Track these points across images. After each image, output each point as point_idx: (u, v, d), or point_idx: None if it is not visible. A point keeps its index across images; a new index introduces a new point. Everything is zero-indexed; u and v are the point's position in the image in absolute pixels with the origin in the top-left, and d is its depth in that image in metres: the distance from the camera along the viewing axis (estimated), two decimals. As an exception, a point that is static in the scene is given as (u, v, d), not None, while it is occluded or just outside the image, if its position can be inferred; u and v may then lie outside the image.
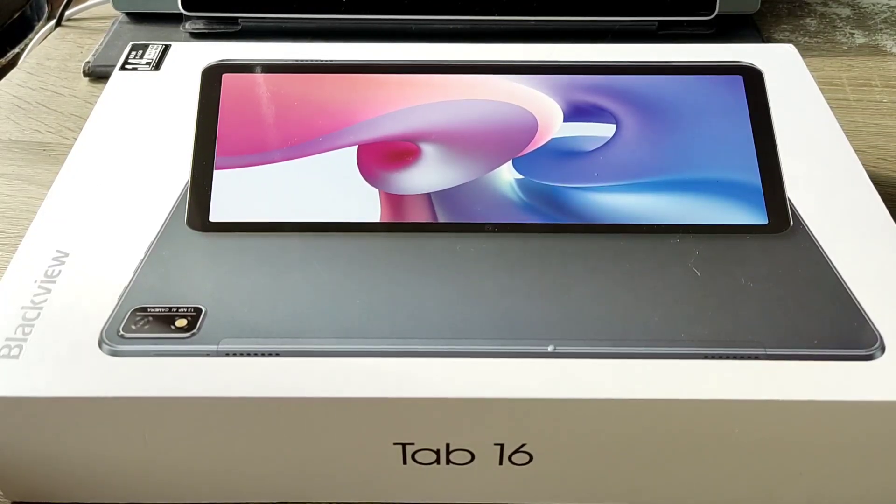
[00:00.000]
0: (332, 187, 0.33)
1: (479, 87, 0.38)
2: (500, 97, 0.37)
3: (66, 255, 0.30)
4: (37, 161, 0.45)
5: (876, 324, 0.28)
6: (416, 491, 0.29)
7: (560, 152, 0.35)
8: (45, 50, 0.56)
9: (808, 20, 0.59)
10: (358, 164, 0.34)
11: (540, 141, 0.35)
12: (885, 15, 0.59)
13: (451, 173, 0.34)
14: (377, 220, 0.32)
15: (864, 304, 0.29)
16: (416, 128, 0.36)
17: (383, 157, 0.35)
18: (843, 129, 0.36)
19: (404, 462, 0.28)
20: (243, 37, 0.53)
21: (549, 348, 0.27)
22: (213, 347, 0.27)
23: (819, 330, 0.28)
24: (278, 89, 0.38)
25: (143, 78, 0.39)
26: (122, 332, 0.28)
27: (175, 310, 0.28)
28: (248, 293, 0.29)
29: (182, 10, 0.53)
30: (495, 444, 0.27)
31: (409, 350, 0.27)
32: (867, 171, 0.34)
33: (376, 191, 0.33)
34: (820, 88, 0.38)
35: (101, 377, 0.26)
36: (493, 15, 0.53)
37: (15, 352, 0.27)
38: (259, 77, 0.38)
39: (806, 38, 0.57)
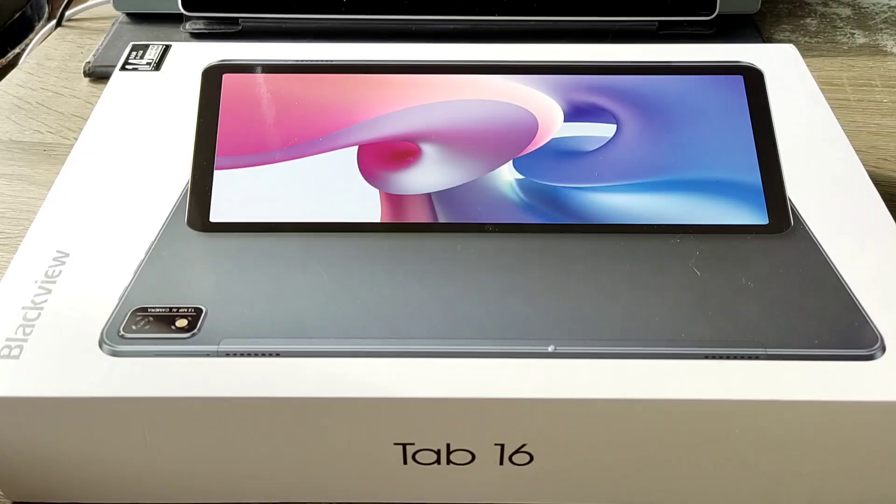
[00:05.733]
0: (332, 187, 0.33)
1: (479, 87, 0.38)
2: (501, 97, 0.37)
3: (67, 255, 0.30)
4: (37, 161, 0.45)
5: (876, 324, 0.28)
6: (417, 491, 0.29)
7: (560, 152, 0.35)
8: (46, 50, 0.56)
9: (808, 20, 0.59)
10: (358, 164, 0.34)
11: (540, 141, 0.35)
12: (886, 15, 0.59)
13: (451, 173, 0.34)
14: (377, 220, 0.32)
15: (864, 304, 0.29)
16: (417, 128, 0.36)
17: (384, 158, 0.35)
18: (844, 129, 0.36)
19: (405, 462, 0.28)
20: (243, 37, 0.53)
21: (550, 348, 0.27)
22: (213, 348, 0.27)
23: (819, 330, 0.28)
24: (278, 89, 0.38)
25: (144, 78, 0.39)
26: (122, 333, 0.28)
27: (175, 310, 0.28)
28: (249, 293, 0.29)
29: (182, 11, 0.53)
30: (495, 445, 0.27)
31: (409, 350, 0.27)
32: (867, 171, 0.34)
33: (376, 191, 0.33)
34: (820, 88, 0.38)
35: (101, 377, 0.26)
36: (493, 15, 0.53)
37: (15, 352, 0.27)
38: (259, 77, 0.38)
39: (806, 38, 0.57)
